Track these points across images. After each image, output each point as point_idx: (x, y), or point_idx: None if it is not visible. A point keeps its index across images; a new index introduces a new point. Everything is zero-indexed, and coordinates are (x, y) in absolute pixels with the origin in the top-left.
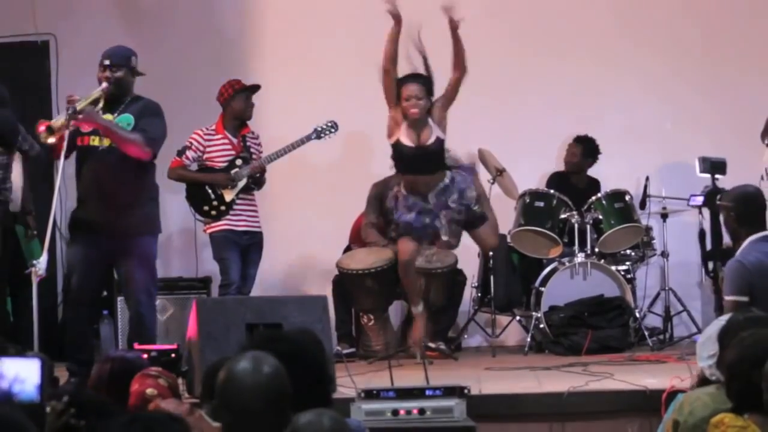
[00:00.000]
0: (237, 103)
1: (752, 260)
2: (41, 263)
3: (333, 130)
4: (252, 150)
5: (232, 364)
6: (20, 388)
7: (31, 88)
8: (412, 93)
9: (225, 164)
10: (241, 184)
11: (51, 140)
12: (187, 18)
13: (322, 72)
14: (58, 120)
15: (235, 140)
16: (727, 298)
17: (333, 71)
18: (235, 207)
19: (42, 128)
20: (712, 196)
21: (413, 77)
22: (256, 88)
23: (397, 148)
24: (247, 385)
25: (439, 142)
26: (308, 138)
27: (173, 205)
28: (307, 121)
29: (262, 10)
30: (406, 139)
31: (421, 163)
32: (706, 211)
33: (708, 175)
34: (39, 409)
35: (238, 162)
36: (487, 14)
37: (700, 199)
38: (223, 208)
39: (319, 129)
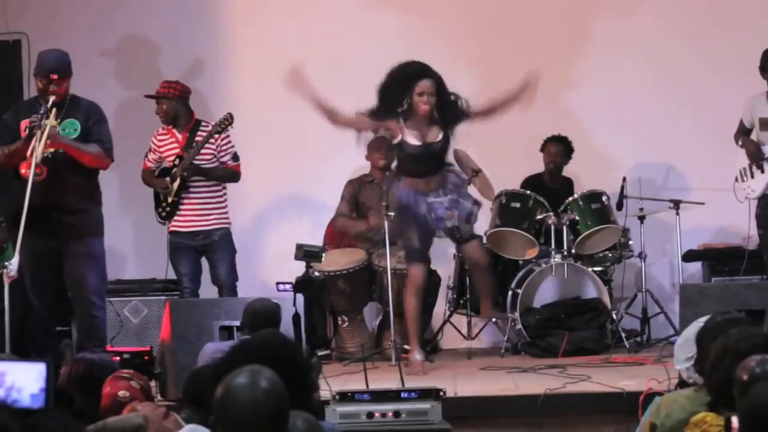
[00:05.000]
0: None
1: None
2: (13, 264)
3: (227, 122)
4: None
5: (230, 379)
6: (17, 396)
7: (2, 87)
8: (425, 89)
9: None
10: (175, 184)
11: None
12: (161, 17)
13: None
14: (37, 151)
15: (180, 136)
16: None
17: (315, 68)
18: (180, 207)
19: (24, 170)
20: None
21: (426, 72)
22: (151, 96)
23: (402, 148)
24: (245, 401)
25: (446, 140)
26: (210, 135)
27: (146, 207)
28: (283, 120)
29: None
30: (411, 138)
31: (425, 162)
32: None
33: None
34: (46, 414)
35: (177, 161)
36: (467, 11)
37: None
38: (169, 209)
39: (217, 123)
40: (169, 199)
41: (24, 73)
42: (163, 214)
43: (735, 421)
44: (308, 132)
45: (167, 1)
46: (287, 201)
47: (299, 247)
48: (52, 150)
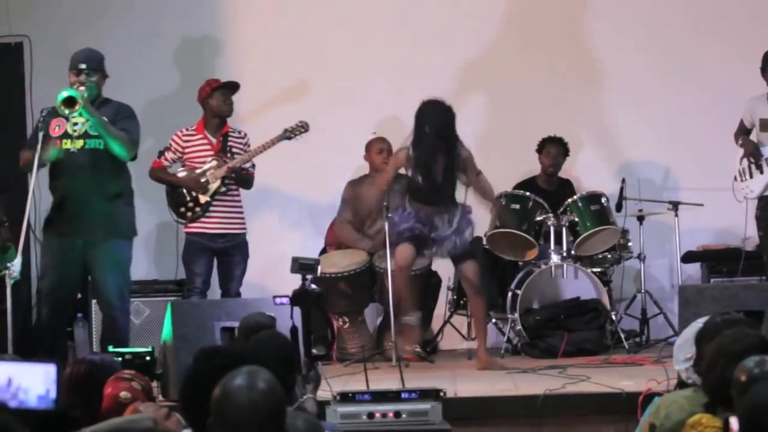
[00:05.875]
0: (214, 101)
1: None
2: (15, 265)
3: (303, 130)
4: (234, 150)
5: (227, 381)
6: (24, 397)
7: (4, 89)
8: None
9: (202, 165)
10: (214, 186)
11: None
12: (163, 17)
13: (304, 71)
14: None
15: (214, 140)
16: None
17: (315, 70)
18: (210, 209)
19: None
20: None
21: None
22: (232, 85)
23: (412, 180)
24: (243, 402)
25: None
26: (278, 139)
27: (152, 206)
28: (281, 123)
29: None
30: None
31: (431, 195)
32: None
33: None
34: (56, 416)
35: (213, 163)
36: (466, 14)
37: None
38: (198, 209)
39: (289, 129)
40: (202, 200)
41: (26, 76)
42: (189, 213)
43: (734, 422)
44: (307, 134)
45: (170, 3)
46: (287, 203)
47: (294, 260)
48: (81, 144)
